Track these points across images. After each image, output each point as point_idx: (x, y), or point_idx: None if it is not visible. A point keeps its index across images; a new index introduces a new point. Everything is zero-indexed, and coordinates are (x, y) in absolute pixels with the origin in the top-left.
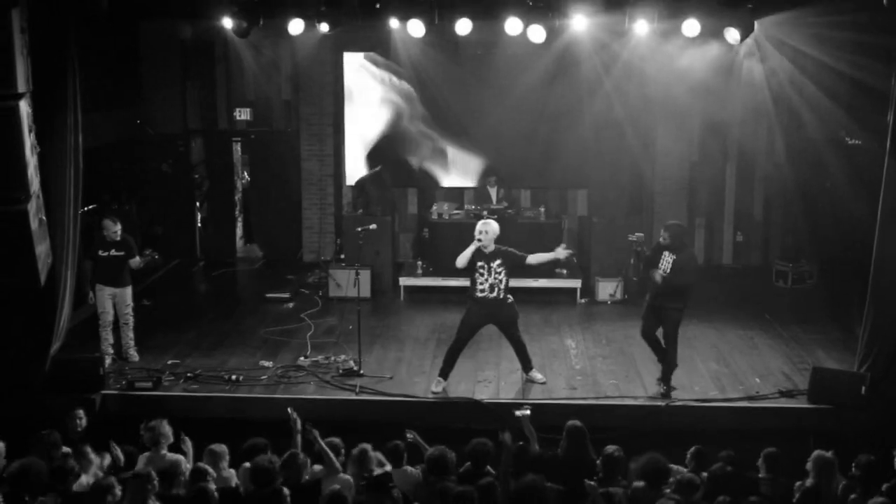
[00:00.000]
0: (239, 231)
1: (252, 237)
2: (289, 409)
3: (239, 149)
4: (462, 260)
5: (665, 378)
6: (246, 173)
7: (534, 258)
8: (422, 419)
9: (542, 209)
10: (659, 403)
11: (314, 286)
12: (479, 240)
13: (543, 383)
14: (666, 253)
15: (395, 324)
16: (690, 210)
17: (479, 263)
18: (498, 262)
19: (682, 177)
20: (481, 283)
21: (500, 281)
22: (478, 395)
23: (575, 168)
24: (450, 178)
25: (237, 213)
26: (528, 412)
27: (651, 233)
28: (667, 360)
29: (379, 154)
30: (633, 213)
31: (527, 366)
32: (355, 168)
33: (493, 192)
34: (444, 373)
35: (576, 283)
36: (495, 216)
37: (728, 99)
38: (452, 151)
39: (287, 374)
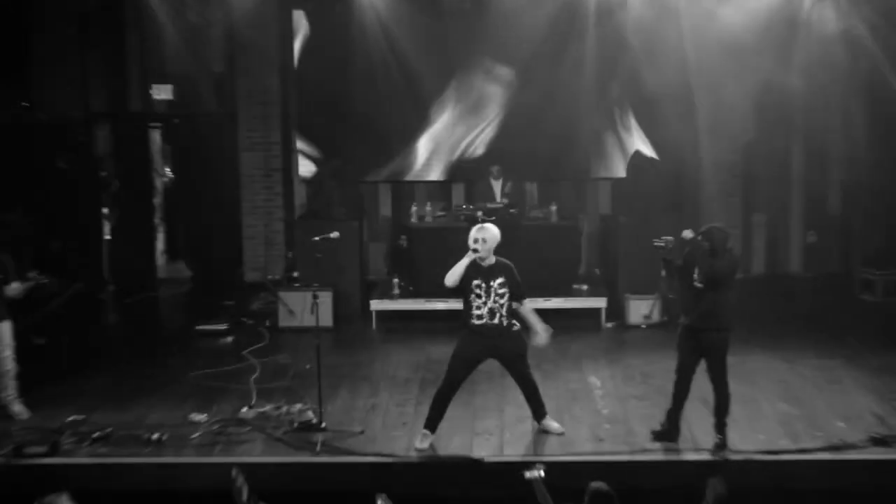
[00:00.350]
0: (160, 245)
1: (177, 252)
2: (233, 472)
3: (158, 137)
4: (453, 277)
5: (719, 424)
6: (167, 169)
7: (527, 310)
8: (403, 485)
9: (554, 207)
10: (713, 458)
11: (259, 314)
12: (475, 250)
13: (561, 434)
14: (693, 248)
15: (366, 361)
16: (746, 203)
17: (476, 282)
18: (499, 280)
19: (734, 161)
20: (478, 308)
21: (502, 305)
22: (476, 453)
23: (594, 155)
24: (434, 170)
25: (157, 221)
26: (541, 473)
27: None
28: (718, 400)
29: (342, 142)
30: (671, 210)
31: (539, 412)
32: (311, 159)
33: (495, 185)
34: (432, 424)
35: (600, 303)
36: (493, 218)
37: (791, 60)
38: (436, 136)
39: (226, 431)
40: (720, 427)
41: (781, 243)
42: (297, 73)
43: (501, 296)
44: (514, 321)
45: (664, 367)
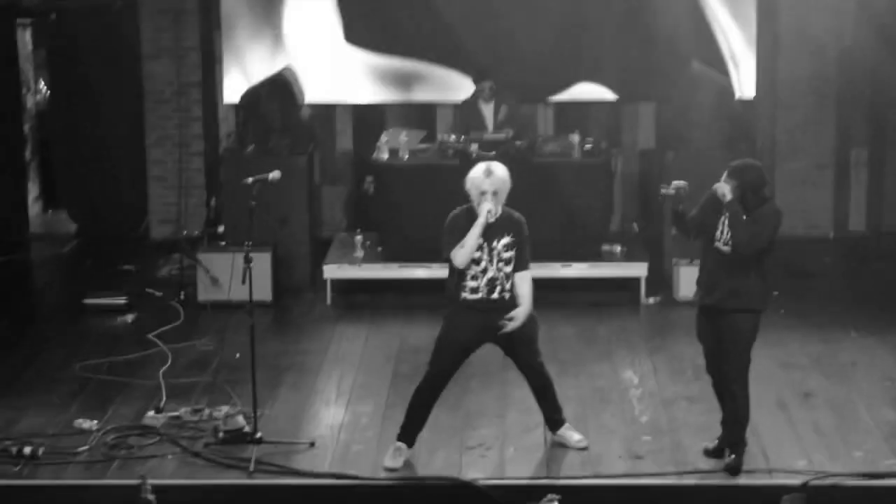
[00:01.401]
0: (33, 189)
1: (57, 199)
2: (141, 485)
3: (28, 39)
4: (466, 254)
5: (731, 439)
6: (42, 84)
7: (522, 283)
8: None
9: (576, 138)
10: (792, 482)
11: (171, 283)
12: (490, 210)
13: (584, 448)
14: (727, 214)
15: (318, 348)
16: (841, 135)
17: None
18: (506, 239)
19: (824, 74)
20: (473, 278)
21: (507, 274)
22: (467, 473)
23: (632, 68)
24: (412, 91)
25: (27, 157)
26: None
27: (773, 177)
28: (731, 405)
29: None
30: (737, 143)
31: (554, 419)
32: (243, 73)
33: (486, 109)
34: (408, 435)
35: (639, 270)
36: (493, 153)
37: None
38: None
39: (125, 443)
40: (733, 442)
41: (890, 189)
42: None
43: (507, 261)
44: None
45: None
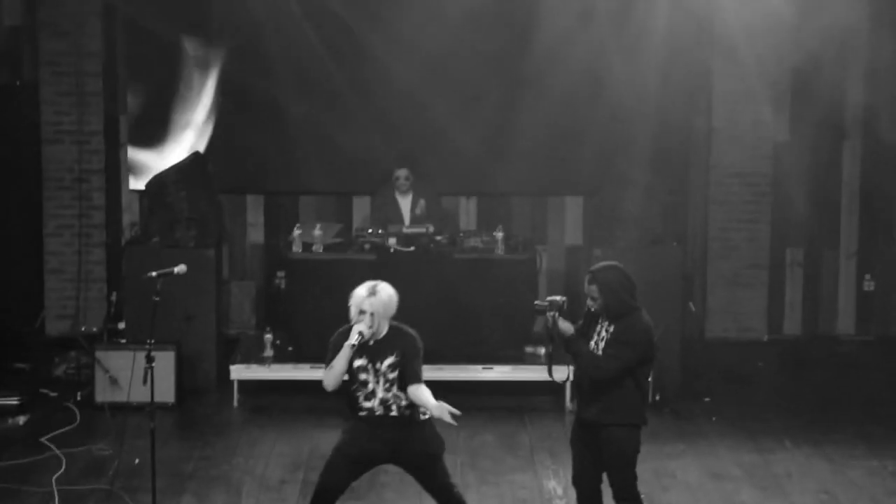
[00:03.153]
0: None
1: None
2: None
3: None
4: (334, 376)
5: None
6: None
7: (417, 393)
8: None
9: (500, 234)
10: None
11: (67, 383)
12: (361, 333)
13: None
14: (600, 324)
15: (224, 455)
16: (775, 231)
17: (358, 363)
18: (391, 359)
19: (760, 171)
20: (366, 398)
21: (399, 395)
22: None
23: (556, 161)
24: (327, 179)
25: None
26: None
27: (705, 277)
28: None
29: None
30: (668, 240)
31: None
32: (148, 156)
33: (403, 202)
34: None
35: (564, 374)
36: (412, 248)
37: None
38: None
39: None
40: None
41: (826, 291)
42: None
43: (393, 382)
44: (421, 409)
45: (655, 469)
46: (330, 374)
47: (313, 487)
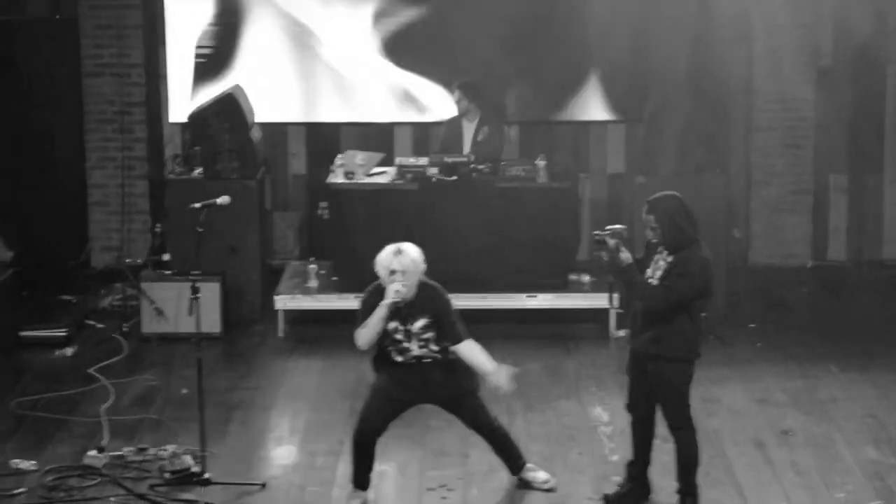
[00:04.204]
0: None
1: None
2: None
3: None
4: (368, 337)
5: (684, 487)
6: None
7: (468, 354)
8: None
9: (542, 162)
10: None
11: (113, 315)
12: (397, 291)
13: (551, 489)
14: (659, 254)
15: (270, 384)
16: (819, 159)
17: (391, 325)
18: (423, 321)
19: (803, 97)
20: (399, 354)
21: (434, 350)
22: None
23: (598, 89)
24: (372, 108)
25: None
26: None
27: (748, 203)
28: (678, 453)
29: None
30: (711, 167)
31: (515, 464)
32: (189, 90)
33: (467, 129)
34: (360, 480)
35: (605, 301)
36: (453, 177)
37: None
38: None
39: (65, 484)
40: (684, 490)
41: (871, 216)
42: None
43: (430, 340)
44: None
45: (702, 394)
46: (364, 334)
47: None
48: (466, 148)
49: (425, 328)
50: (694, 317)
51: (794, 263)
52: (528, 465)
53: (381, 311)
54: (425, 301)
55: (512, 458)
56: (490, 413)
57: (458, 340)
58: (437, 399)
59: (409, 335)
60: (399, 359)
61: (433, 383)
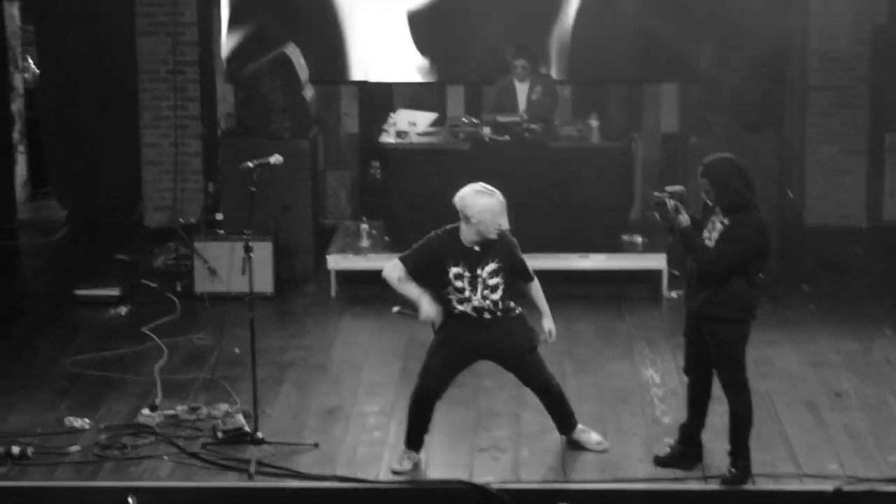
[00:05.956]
0: (21, 173)
1: (46, 183)
2: (130, 500)
3: (16, 14)
4: (395, 287)
5: (736, 449)
6: (31, 61)
7: (535, 292)
8: None
9: (595, 122)
10: (822, 489)
11: (166, 274)
12: (477, 225)
13: (603, 451)
14: (716, 215)
15: (322, 344)
16: (874, 118)
17: (455, 270)
18: (493, 265)
19: (858, 55)
20: (459, 303)
21: (495, 302)
22: (479, 477)
23: (652, 49)
24: (424, 68)
25: (15, 138)
26: None
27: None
28: (731, 415)
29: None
30: (763, 126)
31: (567, 424)
32: (243, 50)
33: (520, 88)
34: (413, 440)
35: (661, 262)
36: (506, 136)
37: None
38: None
39: (118, 443)
40: (737, 453)
41: None
42: None
43: (493, 288)
44: (512, 306)
45: (757, 356)
46: (394, 281)
47: (413, 386)
48: (521, 108)
49: (493, 273)
50: (751, 278)
51: (849, 224)
52: (580, 427)
53: (412, 294)
54: (499, 246)
55: (564, 417)
56: (547, 370)
57: (532, 278)
58: (497, 355)
59: (474, 282)
60: (459, 308)
61: (494, 339)
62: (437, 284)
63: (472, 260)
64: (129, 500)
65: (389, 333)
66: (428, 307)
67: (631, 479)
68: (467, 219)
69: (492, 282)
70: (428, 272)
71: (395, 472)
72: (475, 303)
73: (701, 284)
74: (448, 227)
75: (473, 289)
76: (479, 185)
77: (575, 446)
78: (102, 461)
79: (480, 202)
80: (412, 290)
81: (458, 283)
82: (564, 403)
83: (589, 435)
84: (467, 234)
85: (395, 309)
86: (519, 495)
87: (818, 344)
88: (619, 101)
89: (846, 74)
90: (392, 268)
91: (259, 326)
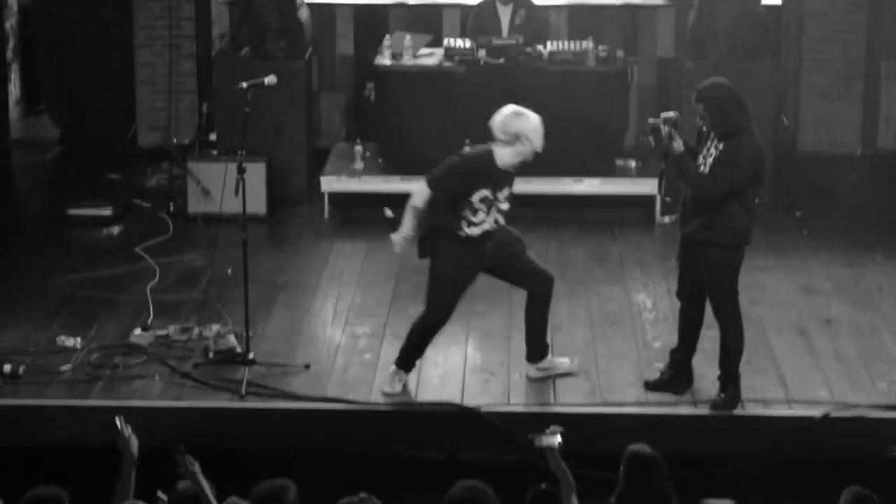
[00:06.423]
0: (14, 92)
1: (39, 102)
2: (118, 422)
3: None
4: (421, 205)
5: (725, 375)
6: None
7: None
8: (364, 443)
9: (590, 45)
10: (811, 414)
11: (159, 194)
12: (525, 146)
13: (571, 374)
14: (711, 141)
15: (315, 265)
16: (871, 45)
17: (482, 193)
18: (507, 191)
19: None
20: (469, 226)
21: (500, 224)
22: (469, 400)
23: None
24: None
25: (9, 55)
26: (558, 439)
27: (798, 90)
28: (722, 341)
29: None
30: (761, 53)
31: (537, 347)
32: None
33: (503, 11)
34: (406, 362)
35: (654, 188)
36: (501, 59)
37: None
38: None
39: (110, 362)
40: (726, 378)
41: None
42: None
43: (503, 213)
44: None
45: (748, 281)
46: (416, 206)
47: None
48: (505, 31)
49: (507, 198)
50: (746, 203)
51: (844, 151)
52: (549, 356)
53: (399, 238)
54: (513, 176)
55: (542, 336)
56: (542, 266)
57: None
58: (499, 266)
59: (490, 206)
60: (466, 232)
61: (494, 252)
62: (451, 206)
63: (500, 184)
64: (117, 420)
65: (381, 256)
66: (400, 245)
67: (621, 402)
68: (515, 140)
69: (504, 206)
70: (451, 195)
71: (386, 395)
72: (486, 226)
73: (695, 210)
74: (479, 148)
75: (488, 213)
76: (516, 107)
77: (543, 375)
78: (94, 380)
79: (532, 122)
80: (410, 225)
81: (480, 206)
82: (546, 322)
83: (555, 360)
84: (506, 157)
85: (388, 213)
86: (509, 419)
87: (809, 270)
88: (615, 26)
89: (843, 0)
90: (420, 194)
91: (251, 247)
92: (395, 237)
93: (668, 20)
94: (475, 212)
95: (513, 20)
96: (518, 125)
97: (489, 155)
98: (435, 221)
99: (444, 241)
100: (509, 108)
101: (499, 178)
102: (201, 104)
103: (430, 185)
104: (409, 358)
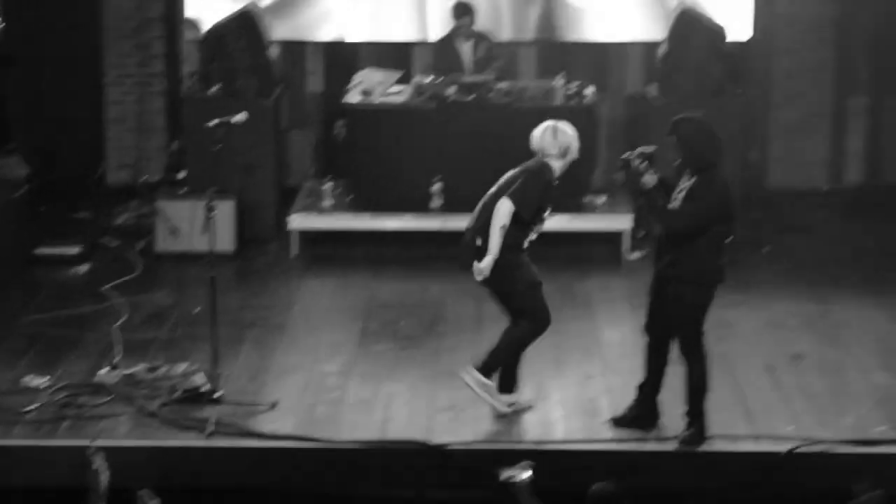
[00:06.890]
0: None
1: (8, 140)
2: (89, 451)
3: None
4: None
5: (691, 411)
6: None
7: None
8: (335, 482)
9: (560, 81)
10: (778, 449)
11: (128, 233)
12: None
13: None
14: (685, 176)
15: (283, 303)
16: (839, 81)
17: (549, 207)
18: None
19: (823, 16)
20: (525, 239)
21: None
22: (437, 437)
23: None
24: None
25: None
26: (528, 473)
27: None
28: (688, 378)
29: None
30: (729, 89)
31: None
32: (211, 4)
33: (464, 48)
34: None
35: (623, 223)
36: (472, 96)
37: None
38: None
39: (77, 401)
40: (692, 414)
41: (889, 140)
42: None
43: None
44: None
45: (719, 319)
46: (501, 224)
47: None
48: (467, 68)
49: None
50: (713, 241)
51: (811, 187)
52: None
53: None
54: None
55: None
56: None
57: None
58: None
59: (542, 221)
60: (525, 244)
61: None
62: (528, 223)
63: (555, 196)
64: (89, 450)
65: (350, 294)
66: (489, 270)
67: (589, 439)
68: (566, 152)
69: (546, 216)
70: (535, 210)
71: (502, 415)
72: (532, 237)
73: (666, 246)
74: (541, 163)
75: (538, 226)
76: (553, 121)
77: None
78: (60, 420)
79: (575, 133)
80: (499, 247)
81: (539, 224)
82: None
83: (525, 396)
84: (558, 170)
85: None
86: (477, 456)
87: (777, 306)
88: (585, 61)
89: (812, 36)
90: (506, 215)
91: (219, 286)
92: (483, 264)
93: (636, 57)
94: (537, 225)
95: (475, 54)
96: (567, 138)
97: (549, 168)
98: (501, 244)
99: (510, 254)
100: (549, 123)
101: (553, 194)
102: (171, 142)
103: (518, 203)
104: (497, 367)
